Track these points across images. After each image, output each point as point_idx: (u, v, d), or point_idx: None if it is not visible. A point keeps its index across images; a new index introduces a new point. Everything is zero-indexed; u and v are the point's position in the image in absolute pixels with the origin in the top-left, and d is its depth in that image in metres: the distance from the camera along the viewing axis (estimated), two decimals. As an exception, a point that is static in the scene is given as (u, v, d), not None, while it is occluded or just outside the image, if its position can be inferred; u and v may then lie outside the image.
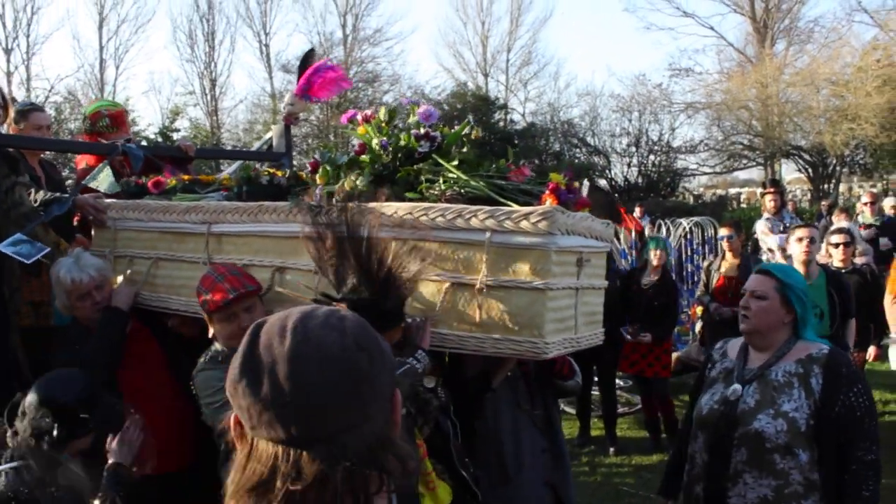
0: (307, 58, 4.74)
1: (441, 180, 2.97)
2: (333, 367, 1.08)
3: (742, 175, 33.26)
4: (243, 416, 1.10)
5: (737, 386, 2.95)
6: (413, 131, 3.16)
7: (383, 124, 3.31)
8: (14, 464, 2.69)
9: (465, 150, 3.18)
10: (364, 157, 3.21)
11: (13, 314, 4.00)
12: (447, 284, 2.78)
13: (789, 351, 2.97)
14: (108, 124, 4.67)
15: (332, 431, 1.06)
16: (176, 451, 3.50)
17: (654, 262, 6.92)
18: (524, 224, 2.60)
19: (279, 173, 3.53)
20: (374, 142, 3.20)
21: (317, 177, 3.29)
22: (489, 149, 26.16)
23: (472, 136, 3.27)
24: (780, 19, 29.13)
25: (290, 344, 1.10)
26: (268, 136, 5.54)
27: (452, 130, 3.22)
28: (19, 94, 26.85)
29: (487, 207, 2.70)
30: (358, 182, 3.08)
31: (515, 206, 2.71)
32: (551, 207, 2.59)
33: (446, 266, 2.78)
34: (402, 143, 3.15)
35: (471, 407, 3.19)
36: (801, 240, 5.65)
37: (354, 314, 1.22)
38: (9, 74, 27.45)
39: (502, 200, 2.79)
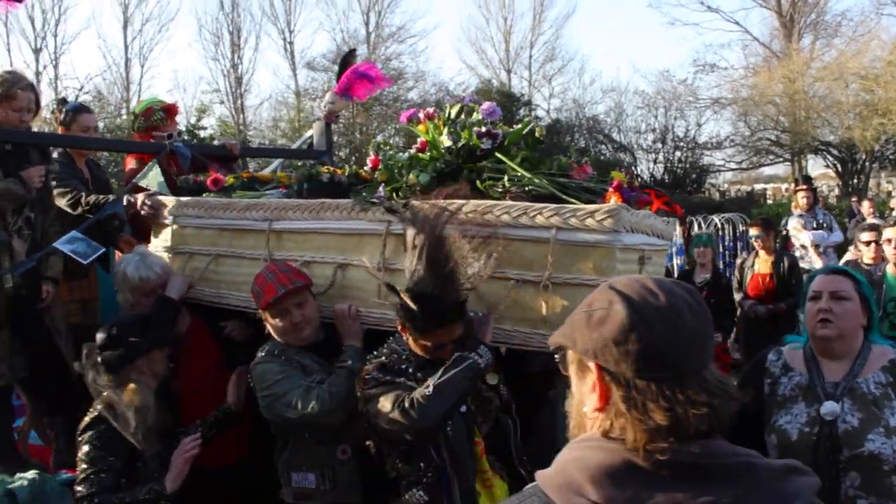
0: (348, 57, 4.84)
1: (505, 178, 3.00)
2: (700, 314, 1.31)
3: (767, 171, 33.02)
4: (628, 360, 1.27)
5: (832, 404, 2.63)
6: (475, 129, 3.17)
7: (440, 123, 3.34)
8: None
9: (529, 148, 3.22)
10: (425, 155, 3.25)
11: (60, 316, 4.15)
12: (512, 281, 2.81)
13: (868, 357, 2.74)
14: (163, 117, 4.81)
15: (704, 365, 1.28)
16: (233, 443, 3.61)
17: (702, 260, 6.87)
18: (589, 222, 2.64)
19: (339, 171, 3.60)
20: (444, 138, 3.23)
21: (376, 175, 3.34)
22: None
23: (536, 135, 3.29)
24: (807, 13, 28.85)
25: (665, 298, 1.30)
26: (308, 134, 5.64)
27: (512, 129, 3.26)
28: (48, 94, 27.21)
29: (553, 205, 2.75)
30: (421, 179, 3.11)
31: (580, 204, 2.74)
32: (616, 205, 2.62)
33: (511, 263, 2.80)
34: (464, 140, 3.17)
35: (532, 405, 3.18)
36: (889, 241, 5.29)
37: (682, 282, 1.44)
38: (38, 74, 27.81)
39: (566, 198, 2.83)
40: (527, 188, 2.91)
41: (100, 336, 3.16)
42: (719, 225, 11.08)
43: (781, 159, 28.80)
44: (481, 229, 2.81)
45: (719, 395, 1.26)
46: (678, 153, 27.96)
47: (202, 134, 24.65)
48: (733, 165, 29.08)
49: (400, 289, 2.75)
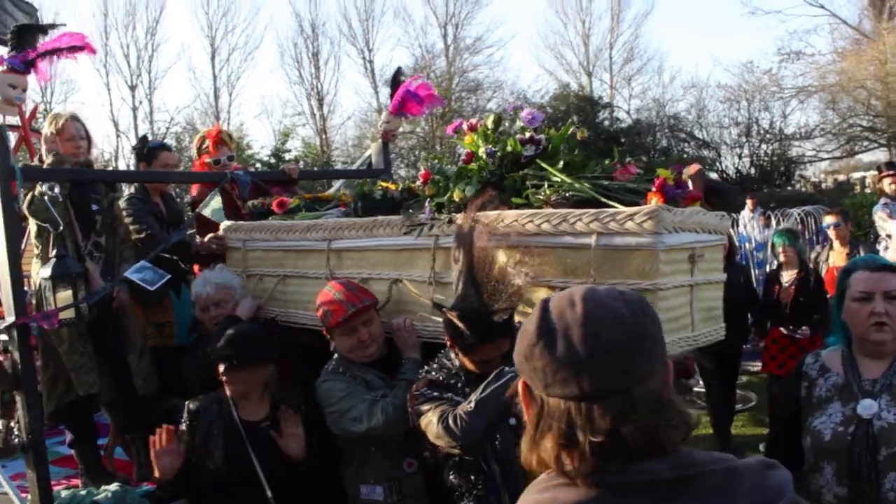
0: (397, 76, 4.99)
1: (546, 185, 2.97)
2: (623, 327, 1.21)
3: (867, 157, 31.70)
4: (536, 377, 1.23)
5: (869, 402, 2.50)
6: (518, 136, 3.16)
7: (489, 132, 3.34)
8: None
9: (571, 152, 3.18)
10: (472, 166, 3.26)
11: (135, 334, 4.47)
12: (557, 290, 2.68)
13: None
14: (209, 145, 5.07)
15: (622, 385, 1.18)
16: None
17: (782, 259, 6.64)
18: (629, 225, 2.58)
19: (392, 187, 3.67)
20: (481, 150, 3.23)
21: (426, 189, 3.37)
22: (594, 149, 26.02)
23: (578, 137, 3.24)
24: (899, -10, 27.68)
25: (582, 309, 1.22)
26: (367, 154, 5.80)
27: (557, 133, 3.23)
28: (143, 127, 28.54)
29: (592, 210, 2.70)
30: (466, 191, 3.11)
31: (620, 207, 2.69)
32: (656, 206, 2.57)
33: (555, 272, 2.78)
34: (509, 148, 3.16)
35: None
36: None
37: (630, 290, 1.38)
38: (134, 109, 29.27)
39: (608, 202, 2.78)
40: (567, 194, 2.87)
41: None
42: (798, 218, 10.78)
43: (876, 145, 27.63)
44: (519, 240, 2.81)
45: (653, 414, 1.18)
46: (764, 146, 27.24)
47: (287, 156, 25.45)
48: (824, 155, 28.10)
49: (447, 306, 2.79)
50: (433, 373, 2.89)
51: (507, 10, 50.45)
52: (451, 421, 2.58)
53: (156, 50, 30.12)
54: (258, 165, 23.88)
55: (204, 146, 5.07)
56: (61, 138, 4.36)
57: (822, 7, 29.16)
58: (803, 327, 6.37)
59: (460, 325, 2.69)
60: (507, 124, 3.42)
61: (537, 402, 1.25)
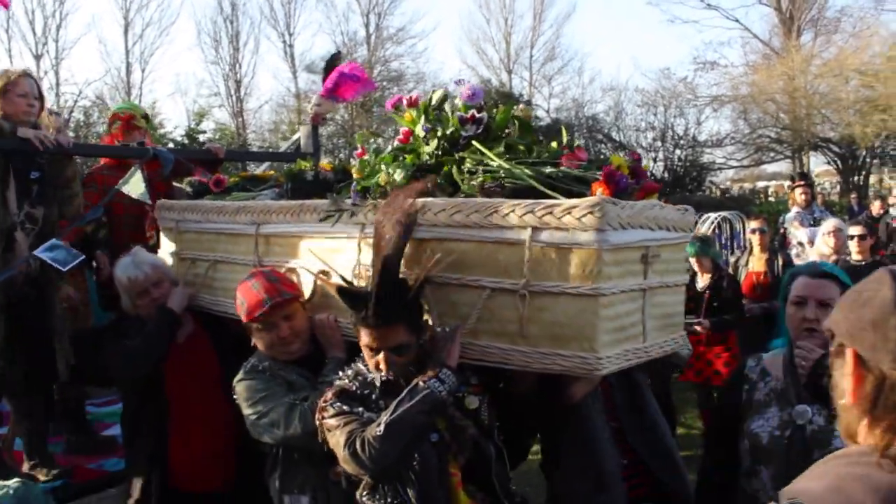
0: (333, 60, 4.85)
1: (481, 171, 2.64)
2: None
3: (770, 168, 33.02)
4: (885, 349, 1.14)
5: (804, 407, 2.53)
6: (458, 114, 2.77)
7: (431, 109, 2.94)
8: None
9: (525, 133, 2.81)
10: (408, 146, 2.91)
11: (60, 318, 4.17)
12: (487, 290, 2.45)
13: None
14: (118, 127, 4.83)
15: None
16: (222, 466, 3.44)
17: (695, 267, 6.57)
18: (567, 220, 2.25)
19: (328, 167, 3.46)
20: (418, 128, 2.88)
21: (353, 171, 3.07)
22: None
23: (524, 117, 2.88)
24: (807, 10, 28.76)
25: None
26: (295, 136, 5.63)
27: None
28: (49, 99, 27.25)
29: (528, 201, 2.37)
30: (395, 176, 2.78)
31: (561, 199, 2.36)
32: (600, 198, 2.25)
33: (485, 269, 2.47)
34: (451, 128, 2.79)
35: (558, 425, 2.88)
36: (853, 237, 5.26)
37: None
38: (39, 80, 27.90)
39: (548, 192, 2.45)
40: (504, 181, 2.55)
41: None
42: (715, 223, 11.08)
43: (782, 156, 28.76)
44: (449, 232, 2.54)
45: None
46: (678, 151, 27.86)
47: (201, 138, 24.72)
48: (734, 163, 29.04)
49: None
50: (347, 380, 2.57)
51: (430, 2, 50.36)
52: (358, 446, 2.31)
53: (64, 18, 28.78)
54: (171, 145, 23.08)
55: (114, 126, 4.84)
56: (11, 94, 4.02)
57: (737, 21, 30.26)
58: (701, 321, 6.32)
59: (336, 296, 2.51)
60: (456, 103, 2.92)
61: (875, 375, 1.16)
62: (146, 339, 3.42)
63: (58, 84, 28.29)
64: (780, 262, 7.05)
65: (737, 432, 2.72)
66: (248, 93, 31.51)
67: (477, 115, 2.78)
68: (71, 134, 21.91)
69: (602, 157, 26.55)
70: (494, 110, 2.87)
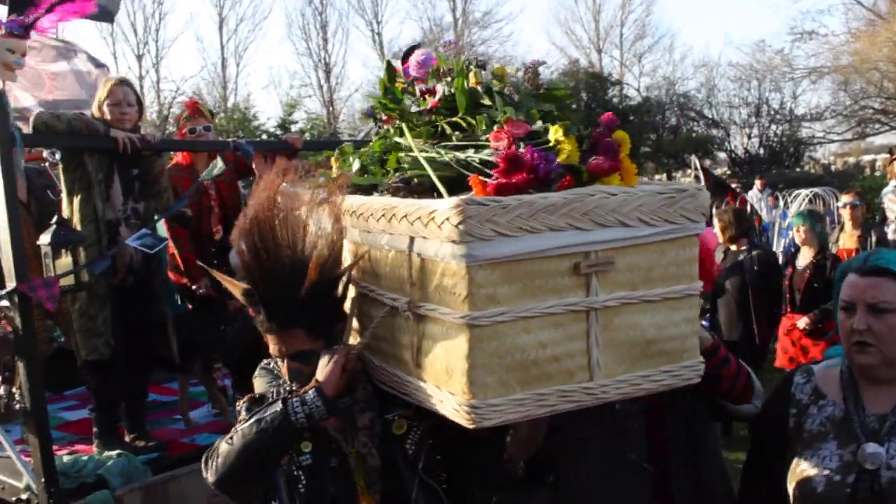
0: (409, 51, 4.92)
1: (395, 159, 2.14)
2: None
3: (879, 140, 31.48)
4: None
5: (875, 447, 1.91)
6: (405, 87, 2.25)
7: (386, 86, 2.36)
8: None
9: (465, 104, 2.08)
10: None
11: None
12: (387, 307, 2.01)
13: None
14: (187, 114, 5.09)
15: None
16: None
17: (799, 239, 6.21)
18: (433, 228, 1.71)
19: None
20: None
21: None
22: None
23: (472, 82, 2.12)
24: (916, -30, 27.32)
25: None
26: (371, 125, 5.77)
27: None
28: (150, 97, 28.50)
29: (409, 202, 1.84)
30: (345, 169, 2.31)
31: (437, 200, 1.76)
32: (459, 201, 1.61)
33: (388, 282, 2.02)
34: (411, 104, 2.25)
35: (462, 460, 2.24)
36: None
37: None
38: (140, 78, 29.12)
39: (442, 187, 1.88)
40: (409, 173, 2.03)
41: None
42: (806, 200, 10.65)
43: (888, 128, 27.38)
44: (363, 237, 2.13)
45: None
46: (774, 126, 26.93)
47: (294, 128, 25.35)
48: (835, 137, 27.87)
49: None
50: (267, 384, 2.33)
51: (518, -16, 49.94)
52: (211, 452, 2.07)
53: (163, 18, 29.95)
54: (265, 136, 23.78)
55: (184, 116, 5.13)
56: (105, 104, 4.19)
57: (838, -14, 28.89)
58: (803, 319, 5.92)
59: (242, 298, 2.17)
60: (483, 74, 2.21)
61: None
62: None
63: (158, 81, 29.48)
64: (874, 239, 6.77)
65: (780, 473, 2.10)
66: (339, 82, 32.00)
67: (428, 87, 2.20)
68: (171, 129, 22.81)
69: (694, 134, 25.82)
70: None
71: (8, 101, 3.55)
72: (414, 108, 2.20)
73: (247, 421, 2.02)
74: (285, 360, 2.13)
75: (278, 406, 1.98)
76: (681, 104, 28.16)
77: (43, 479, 3.56)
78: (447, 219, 1.64)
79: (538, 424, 2.05)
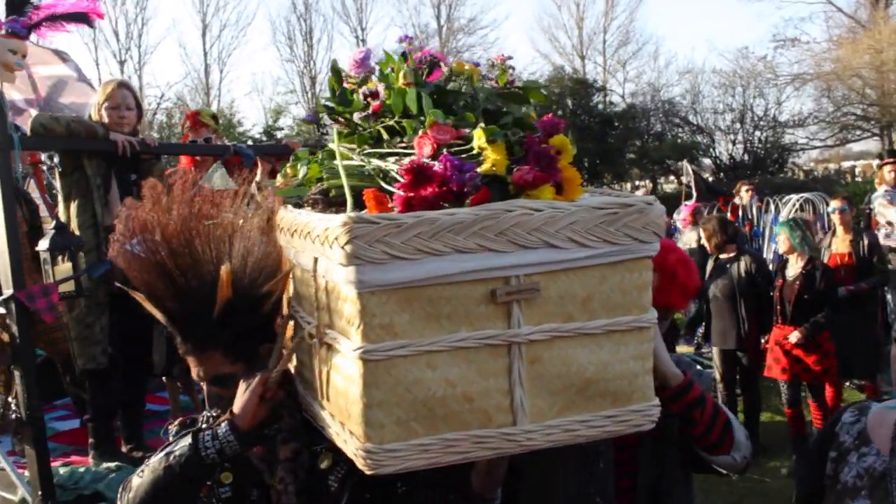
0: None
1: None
2: None
3: (857, 147, 31.71)
4: None
5: None
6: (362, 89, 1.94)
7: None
8: None
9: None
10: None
11: None
12: (303, 331, 1.76)
13: None
14: (188, 125, 5.07)
15: None
16: None
17: (782, 249, 6.17)
18: (327, 247, 1.48)
19: None
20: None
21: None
22: (589, 132, 25.97)
23: (402, 82, 1.84)
24: (896, -22, 27.62)
25: None
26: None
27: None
28: (134, 102, 28.34)
29: (315, 218, 1.59)
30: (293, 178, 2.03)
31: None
32: (350, 217, 1.39)
33: (305, 303, 1.78)
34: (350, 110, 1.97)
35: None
36: None
37: None
38: (123, 84, 28.97)
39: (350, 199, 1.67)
40: (327, 184, 1.80)
41: None
42: (797, 205, 10.68)
43: (869, 134, 27.52)
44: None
45: None
46: (758, 133, 26.96)
47: (279, 134, 25.27)
48: (817, 143, 28.02)
49: None
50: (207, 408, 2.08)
51: (501, -9, 50.18)
52: (124, 483, 1.91)
53: (146, 24, 29.69)
54: (249, 142, 23.69)
55: (185, 126, 5.09)
56: (104, 106, 4.17)
57: (819, -6, 29.19)
58: (793, 334, 5.87)
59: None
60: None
61: None
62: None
63: (141, 87, 29.21)
64: (866, 243, 6.78)
65: None
66: (323, 89, 32.01)
67: (370, 90, 1.95)
68: (155, 135, 22.72)
69: (679, 140, 25.93)
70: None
71: (6, 102, 3.47)
72: (356, 113, 1.93)
73: (159, 453, 1.85)
74: (204, 385, 1.97)
75: (188, 440, 1.80)
76: (665, 110, 28.25)
77: (40, 492, 3.48)
78: (336, 238, 1.42)
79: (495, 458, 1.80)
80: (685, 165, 12.65)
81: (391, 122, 1.81)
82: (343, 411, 1.56)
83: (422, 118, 1.72)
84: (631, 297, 1.57)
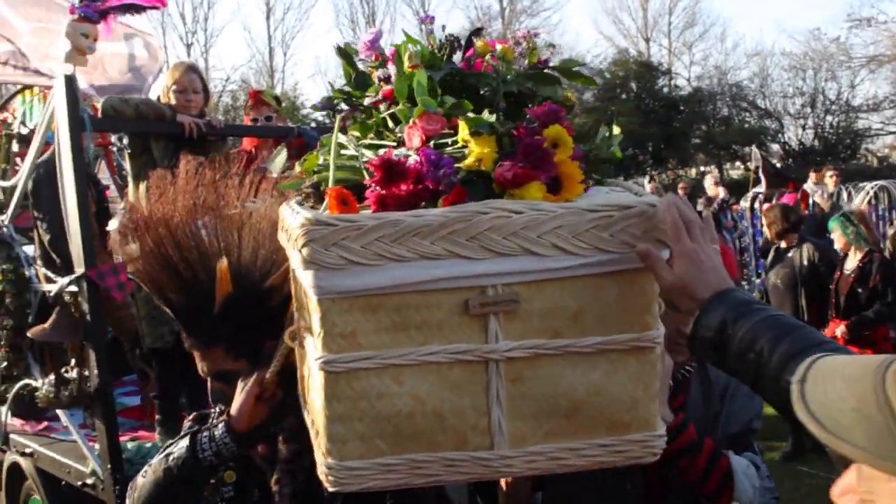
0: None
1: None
2: None
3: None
4: None
5: None
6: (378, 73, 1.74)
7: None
8: None
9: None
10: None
11: None
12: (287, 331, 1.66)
13: None
14: (250, 104, 5.11)
15: None
16: None
17: (837, 245, 5.95)
18: (292, 249, 1.39)
19: None
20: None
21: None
22: (654, 117, 25.55)
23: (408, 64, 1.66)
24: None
25: None
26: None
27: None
28: (199, 85, 28.97)
29: (293, 214, 1.45)
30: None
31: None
32: (308, 219, 1.28)
33: (298, 303, 1.68)
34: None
35: None
36: None
37: None
38: (190, 67, 29.58)
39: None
40: (317, 177, 1.64)
41: None
42: (871, 193, 10.35)
43: (949, 119, 26.60)
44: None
45: None
46: (830, 117, 26.23)
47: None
48: (893, 128, 27.13)
49: None
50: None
51: (565, -27, 49.52)
52: (132, 483, 1.91)
53: (212, 8, 30.33)
54: (313, 125, 23.95)
55: (248, 105, 5.15)
56: (174, 90, 4.26)
57: (899, -29, 28.02)
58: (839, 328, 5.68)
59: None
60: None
61: None
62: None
63: (207, 70, 29.79)
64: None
65: None
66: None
67: (385, 75, 1.75)
68: (220, 117, 23.03)
69: (746, 125, 25.26)
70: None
71: (78, 85, 3.56)
72: (367, 99, 1.75)
73: (161, 453, 1.84)
74: (209, 380, 1.94)
75: (186, 441, 1.78)
76: (733, 94, 27.58)
77: (109, 465, 3.57)
78: (296, 240, 1.32)
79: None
80: (754, 150, 12.34)
81: (397, 109, 1.64)
82: (314, 421, 1.49)
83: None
84: (631, 312, 1.38)
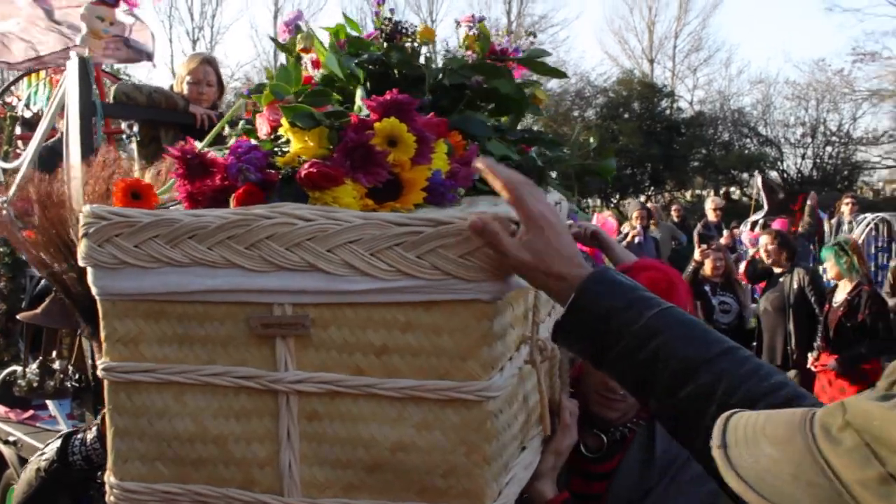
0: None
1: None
2: None
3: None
4: None
5: None
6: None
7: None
8: None
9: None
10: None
11: None
12: None
13: None
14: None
15: None
16: None
17: (828, 274, 5.90)
18: None
19: None
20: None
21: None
22: (654, 137, 25.54)
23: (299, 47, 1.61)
24: None
25: None
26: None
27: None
28: (205, 80, 29.00)
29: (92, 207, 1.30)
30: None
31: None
32: (91, 209, 1.17)
33: None
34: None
35: None
36: None
37: None
38: (195, 62, 29.56)
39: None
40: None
41: None
42: (872, 224, 10.35)
43: (947, 157, 26.69)
44: None
45: None
46: (829, 148, 26.35)
47: (344, 120, 25.46)
48: (891, 162, 27.20)
49: None
50: None
51: (573, -10, 49.73)
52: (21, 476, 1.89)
53: (220, 4, 30.31)
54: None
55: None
56: (188, 80, 4.23)
57: (905, 8, 28.19)
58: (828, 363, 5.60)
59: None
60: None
61: None
62: None
63: (212, 66, 29.88)
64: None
65: None
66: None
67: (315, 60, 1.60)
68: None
69: (746, 151, 25.28)
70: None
71: (93, 68, 3.51)
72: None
73: (37, 454, 1.78)
74: None
75: (58, 444, 1.70)
76: (734, 120, 27.62)
77: (96, 457, 3.50)
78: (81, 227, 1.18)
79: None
80: (756, 181, 12.29)
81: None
82: None
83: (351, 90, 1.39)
84: (450, 355, 1.12)
